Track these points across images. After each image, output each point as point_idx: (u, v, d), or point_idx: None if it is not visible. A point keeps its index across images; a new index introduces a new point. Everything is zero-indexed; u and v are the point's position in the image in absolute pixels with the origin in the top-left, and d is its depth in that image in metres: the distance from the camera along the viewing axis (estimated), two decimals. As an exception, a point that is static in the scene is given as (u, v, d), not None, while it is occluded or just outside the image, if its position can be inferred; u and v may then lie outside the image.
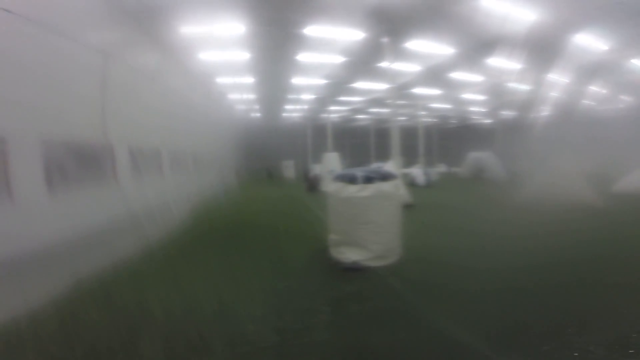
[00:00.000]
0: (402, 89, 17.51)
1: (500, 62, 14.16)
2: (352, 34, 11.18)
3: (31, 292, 4.02)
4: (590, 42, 12.27)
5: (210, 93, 17.23)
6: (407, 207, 9.22)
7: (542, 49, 12.54)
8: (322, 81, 17.28)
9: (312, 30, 10.66)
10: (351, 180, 5.28)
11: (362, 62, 14.04)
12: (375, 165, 15.55)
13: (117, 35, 7.70)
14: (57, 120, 5.59)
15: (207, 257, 6.01)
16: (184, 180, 11.62)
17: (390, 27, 10.52)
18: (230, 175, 20.83)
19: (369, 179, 5.21)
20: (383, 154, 19.41)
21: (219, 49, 11.84)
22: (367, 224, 5.14)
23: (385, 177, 5.37)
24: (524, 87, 18.46)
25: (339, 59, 13.76)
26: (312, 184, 17.33)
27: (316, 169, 19.10)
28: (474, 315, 3.64)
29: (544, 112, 22.42)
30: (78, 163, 6.08)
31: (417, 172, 18.78)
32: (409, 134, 20.25)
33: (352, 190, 5.19)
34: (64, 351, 3.13)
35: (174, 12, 8.87)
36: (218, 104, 19.45)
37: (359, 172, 5.39)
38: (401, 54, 12.63)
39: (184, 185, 11.30)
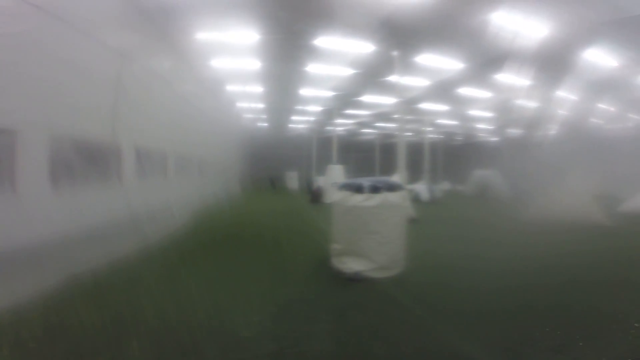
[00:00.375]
0: (409, 104, 17.55)
1: (508, 78, 14.15)
2: (362, 47, 11.25)
3: (23, 287, 3.95)
4: (599, 58, 12.15)
5: (219, 100, 17.40)
6: (411, 222, 9.10)
7: (551, 65, 12.49)
8: (330, 93, 17.38)
9: (322, 41, 10.76)
10: (357, 189, 5.18)
11: (371, 75, 14.11)
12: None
13: (132, 37, 7.82)
14: (67, 117, 5.63)
15: (206, 262, 5.92)
16: (188, 185, 11.61)
17: (401, 41, 10.57)
18: (234, 183, 20.84)
19: (375, 189, 5.12)
20: (387, 169, 19.33)
21: (230, 56, 11.97)
22: (372, 234, 5.03)
23: (392, 187, 5.28)
24: (532, 104, 18.35)
25: (348, 71, 13.85)
26: (315, 196, 17.26)
27: (320, 181, 19.03)
28: (479, 330, 3.51)
29: (552, 130, 22.26)
30: (84, 161, 6.08)
31: (421, 187, 18.67)
32: (414, 150, 20.19)
33: (358, 199, 5.09)
34: (47, 349, 3.03)
35: (188, 18, 8.99)
36: (226, 111, 19.62)
37: (365, 181, 5.30)
38: (410, 68, 12.68)
39: (188, 190, 11.28)
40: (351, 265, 5.15)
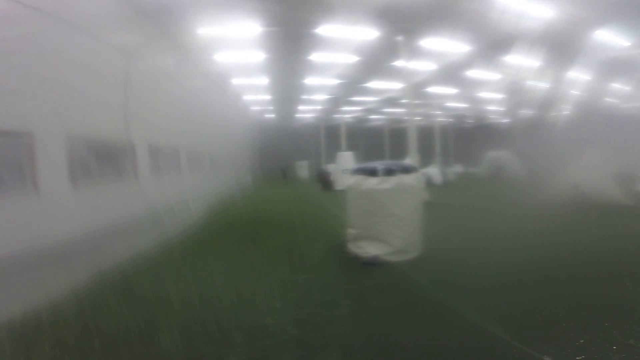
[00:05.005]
0: (417, 88, 17.32)
1: (518, 59, 13.83)
2: (366, 33, 11.08)
3: (53, 283, 4.07)
4: (611, 38, 11.90)
5: (226, 94, 17.44)
6: (425, 205, 9.05)
7: (561, 45, 12.21)
8: (336, 81, 17.24)
9: (325, 29, 10.62)
10: (371, 172, 5.16)
11: (376, 61, 13.92)
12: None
13: (137, 36, 7.87)
14: (81, 118, 5.73)
15: (225, 251, 6.02)
16: (201, 178, 11.76)
17: (405, 26, 10.39)
18: (246, 174, 21.02)
19: (390, 171, 5.08)
20: (397, 154, 19.20)
21: (234, 50, 11.94)
22: (388, 217, 5.01)
23: (406, 169, 5.25)
24: (543, 85, 17.99)
25: (353, 59, 13.68)
26: (325, 182, 17.33)
27: (330, 169, 19.05)
28: (502, 310, 3.48)
29: (565, 110, 21.78)
30: (100, 159, 6.21)
31: (434, 171, 18.49)
32: (425, 134, 19.99)
33: (372, 182, 5.07)
34: (82, 342, 3.13)
35: (189, 14, 8.98)
36: (233, 104, 19.68)
37: (379, 164, 5.27)
38: (416, 53, 12.45)
39: (201, 183, 11.42)
40: (368, 249, 5.17)
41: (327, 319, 3.50)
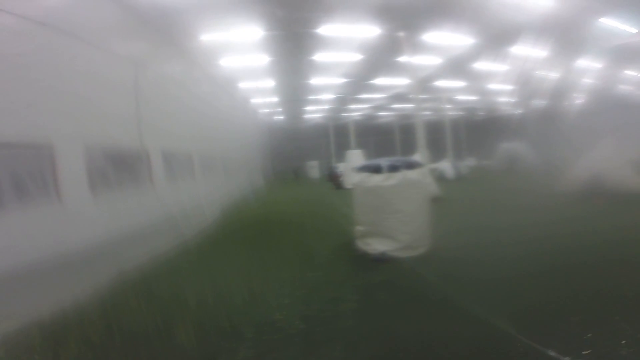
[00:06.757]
0: (423, 83, 17.23)
1: (526, 50, 13.63)
2: (368, 30, 11.13)
3: (78, 286, 4.32)
4: (617, 25, 11.74)
5: (234, 98, 17.73)
6: (437, 200, 8.99)
7: (569, 34, 12.01)
8: (342, 80, 17.30)
9: (327, 29, 10.71)
10: (376, 169, 5.23)
11: (380, 58, 13.93)
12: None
13: (144, 46, 8.16)
14: (96, 128, 6.01)
15: (238, 252, 6.18)
16: (215, 182, 12.03)
17: (406, 21, 10.38)
18: (258, 177, 21.29)
19: (394, 168, 5.14)
20: (408, 150, 19.14)
21: (239, 54, 12.17)
22: (394, 213, 5.07)
23: (411, 165, 5.30)
24: (553, 74, 17.67)
25: (357, 57, 13.73)
26: (335, 180, 17.45)
27: (340, 167, 19.14)
28: (509, 305, 3.45)
29: (578, 99, 21.29)
30: (117, 167, 6.49)
31: (446, 165, 18.33)
32: (435, 128, 19.86)
33: (377, 179, 5.14)
34: (106, 340, 3.32)
35: (192, 22, 9.21)
36: (242, 108, 19.97)
37: (383, 161, 5.33)
38: (419, 47, 12.42)
39: (215, 187, 11.69)
40: (376, 246, 5.25)
41: (335, 315, 3.59)
